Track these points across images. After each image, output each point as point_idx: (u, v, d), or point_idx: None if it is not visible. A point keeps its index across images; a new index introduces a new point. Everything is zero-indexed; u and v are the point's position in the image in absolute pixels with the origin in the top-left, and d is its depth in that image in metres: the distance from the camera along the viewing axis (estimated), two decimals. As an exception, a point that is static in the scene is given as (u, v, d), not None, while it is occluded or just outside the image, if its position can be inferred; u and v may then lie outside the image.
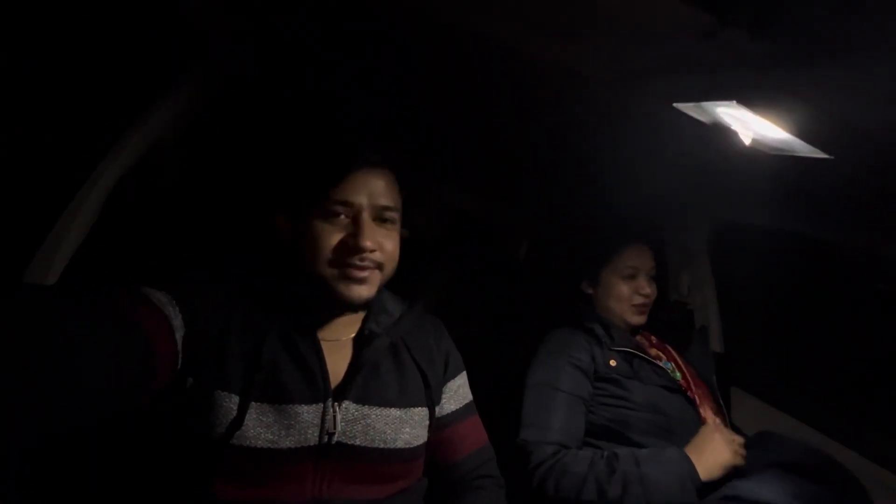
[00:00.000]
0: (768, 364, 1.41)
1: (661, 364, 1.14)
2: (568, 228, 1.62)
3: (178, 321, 0.62)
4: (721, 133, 0.70)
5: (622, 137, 1.00)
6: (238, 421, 0.62)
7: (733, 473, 0.96)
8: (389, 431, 0.70)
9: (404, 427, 0.72)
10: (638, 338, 1.22)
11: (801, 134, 0.63)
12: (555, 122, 0.99)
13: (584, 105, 0.82)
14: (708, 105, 0.62)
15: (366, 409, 0.69)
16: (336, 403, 0.67)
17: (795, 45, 0.45)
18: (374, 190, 0.69)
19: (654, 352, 1.19)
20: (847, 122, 0.60)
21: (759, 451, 1.04)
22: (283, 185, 0.76)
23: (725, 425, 1.10)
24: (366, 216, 0.68)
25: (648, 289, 1.17)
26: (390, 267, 0.72)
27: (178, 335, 0.62)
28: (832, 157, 0.69)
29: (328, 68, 0.93)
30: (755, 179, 1.04)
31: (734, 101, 0.57)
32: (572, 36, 0.54)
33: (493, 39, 0.60)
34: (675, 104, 0.65)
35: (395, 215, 0.71)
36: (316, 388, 0.67)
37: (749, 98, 0.56)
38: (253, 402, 0.64)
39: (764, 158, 0.80)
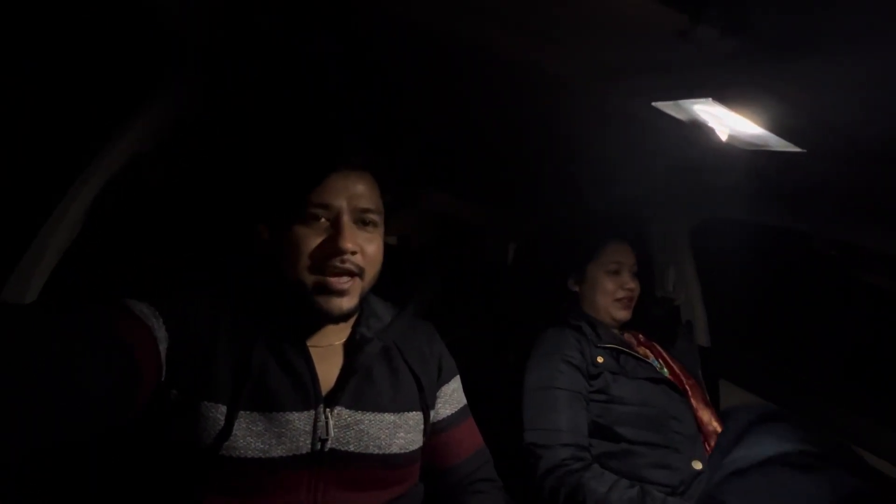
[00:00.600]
0: (754, 356, 1.43)
1: (648, 361, 1.16)
2: (553, 226, 1.64)
3: (161, 332, 0.61)
4: (699, 130, 0.72)
5: (604, 137, 1.02)
6: (226, 431, 0.61)
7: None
8: (384, 437, 0.70)
9: (398, 432, 0.71)
10: (626, 336, 1.23)
11: (774, 128, 0.65)
12: (537, 123, 1.00)
13: (566, 106, 0.83)
14: (685, 103, 0.64)
15: (359, 415, 0.69)
16: (328, 409, 0.67)
17: (764, 41, 0.47)
18: (354, 192, 0.68)
19: (642, 350, 1.21)
20: (817, 116, 0.62)
21: (730, 423, 1.09)
22: (263, 191, 0.76)
23: (714, 419, 1.12)
24: (346, 219, 0.67)
25: (632, 283, 1.20)
26: (372, 272, 0.71)
27: (162, 347, 0.61)
28: (805, 151, 0.72)
29: (308, 72, 0.93)
30: (733, 175, 1.07)
31: (710, 98, 0.59)
32: (551, 38, 0.55)
33: (474, 42, 0.61)
34: (653, 103, 0.66)
35: (376, 218, 0.71)
36: (307, 394, 0.66)
37: (723, 94, 0.58)
38: (242, 412, 0.63)
39: (740, 154, 0.82)
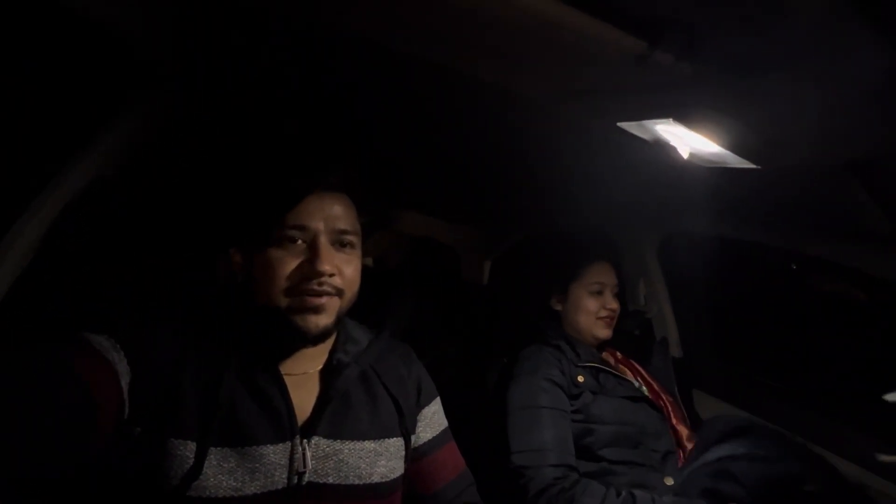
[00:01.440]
0: (725, 365, 1.48)
1: (627, 379, 1.17)
2: (533, 245, 1.67)
3: (122, 366, 0.58)
4: (662, 149, 0.76)
5: (573, 156, 1.05)
6: (196, 470, 0.58)
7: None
8: (364, 466, 0.67)
9: (379, 460, 0.69)
10: (604, 354, 1.25)
11: (730, 146, 0.68)
12: (507, 143, 1.03)
13: (535, 126, 0.86)
14: (648, 123, 0.67)
15: (337, 444, 0.66)
16: (305, 440, 0.64)
17: (717, 64, 0.50)
18: (331, 213, 0.68)
19: (620, 368, 1.23)
20: (768, 134, 0.67)
21: (700, 435, 1.12)
22: (235, 214, 0.74)
23: (689, 433, 1.14)
24: (323, 240, 0.66)
25: (614, 304, 1.22)
26: (350, 293, 0.70)
27: (124, 382, 0.57)
28: (758, 168, 0.76)
29: (282, 94, 0.93)
30: (695, 191, 1.12)
31: (671, 119, 0.62)
32: (518, 60, 0.57)
33: (444, 65, 0.62)
34: (618, 123, 0.69)
35: (354, 239, 0.70)
36: (281, 425, 0.64)
37: (682, 115, 0.61)
38: (212, 448, 0.59)
39: (701, 171, 0.86)
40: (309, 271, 0.65)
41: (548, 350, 1.16)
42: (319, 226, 0.67)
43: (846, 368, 1.26)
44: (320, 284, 0.65)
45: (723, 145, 0.68)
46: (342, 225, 0.69)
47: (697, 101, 0.58)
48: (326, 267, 0.65)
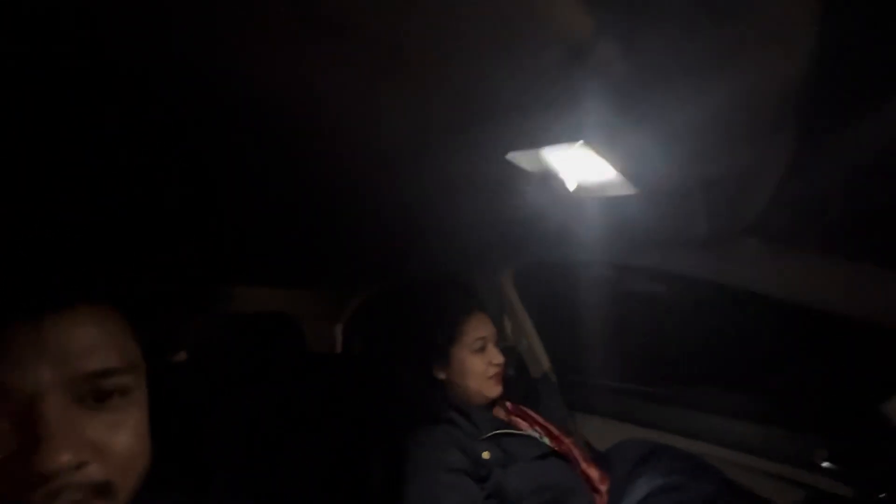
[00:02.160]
0: (596, 381, 1.52)
1: (528, 434, 1.05)
2: (397, 307, 1.47)
3: None
4: (546, 181, 0.66)
5: (416, 205, 0.89)
6: None
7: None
8: None
9: None
10: (495, 411, 1.11)
11: (622, 170, 0.63)
12: (341, 196, 0.81)
13: (369, 176, 0.67)
14: (547, 150, 0.56)
15: None
16: None
17: (649, 71, 0.41)
18: (68, 350, 0.38)
19: (515, 421, 1.11)
20: (651, 159, 0.63)
21: (613, 471, 1.09)
22: None
23: (599, 474, 1.07)
24: (51, 403, 0.36)
25: (500, 356, 1.08)
26: (130, 474, 0.40)
27: None
28: (636, 192, 0.73)
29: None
30: (539, 224, 1.09)
31: (581, 141, 0.52)
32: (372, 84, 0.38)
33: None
34: (511, 152, 0.56)
35: (126, 380, 0.41)
36: None
37: (593, 137, 0.52)
38: None
39: (543, 205, 0.81)
40: (25, 471, 0.34)
41: (440, 429, 0.96)
42: (40, 376, 0.36)
43: (693, 362, 1.42)
44: (56, 491, 0.34)
45: (617, 168, 0.62)
46: (96, 363, 0.38)
47: (604, 121, 0.49)
48: (62, 457, 0.35)
